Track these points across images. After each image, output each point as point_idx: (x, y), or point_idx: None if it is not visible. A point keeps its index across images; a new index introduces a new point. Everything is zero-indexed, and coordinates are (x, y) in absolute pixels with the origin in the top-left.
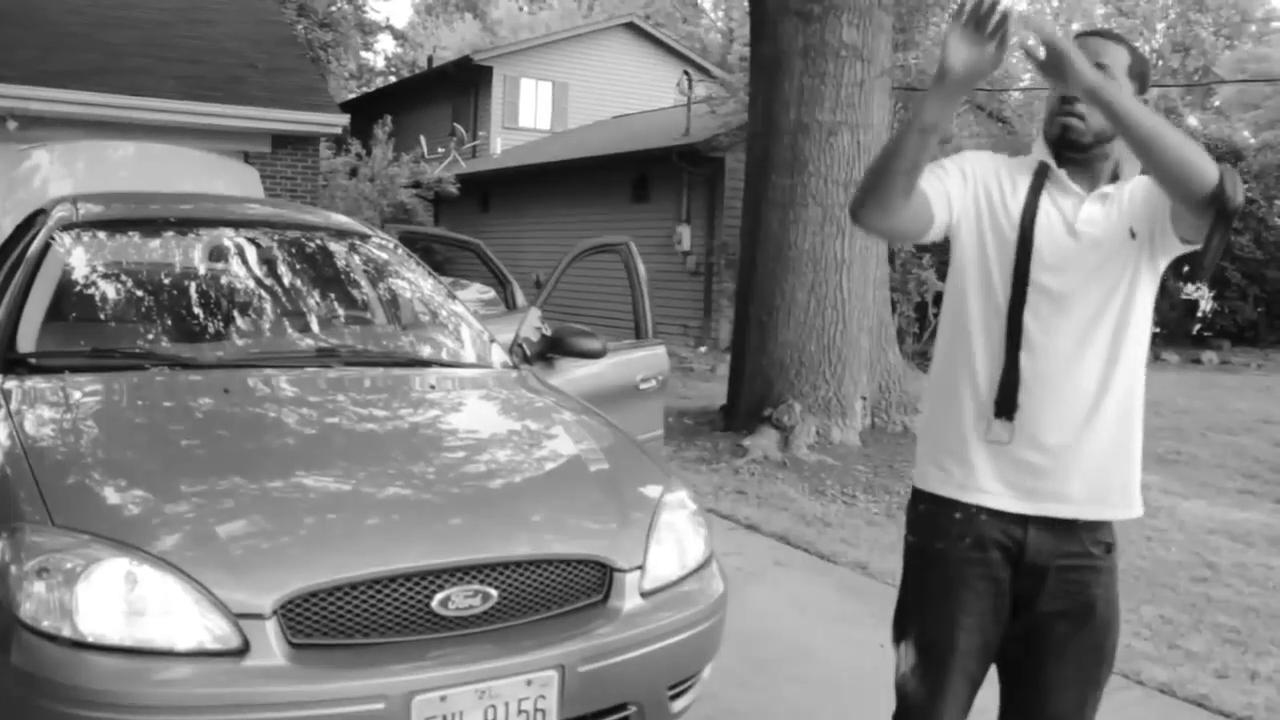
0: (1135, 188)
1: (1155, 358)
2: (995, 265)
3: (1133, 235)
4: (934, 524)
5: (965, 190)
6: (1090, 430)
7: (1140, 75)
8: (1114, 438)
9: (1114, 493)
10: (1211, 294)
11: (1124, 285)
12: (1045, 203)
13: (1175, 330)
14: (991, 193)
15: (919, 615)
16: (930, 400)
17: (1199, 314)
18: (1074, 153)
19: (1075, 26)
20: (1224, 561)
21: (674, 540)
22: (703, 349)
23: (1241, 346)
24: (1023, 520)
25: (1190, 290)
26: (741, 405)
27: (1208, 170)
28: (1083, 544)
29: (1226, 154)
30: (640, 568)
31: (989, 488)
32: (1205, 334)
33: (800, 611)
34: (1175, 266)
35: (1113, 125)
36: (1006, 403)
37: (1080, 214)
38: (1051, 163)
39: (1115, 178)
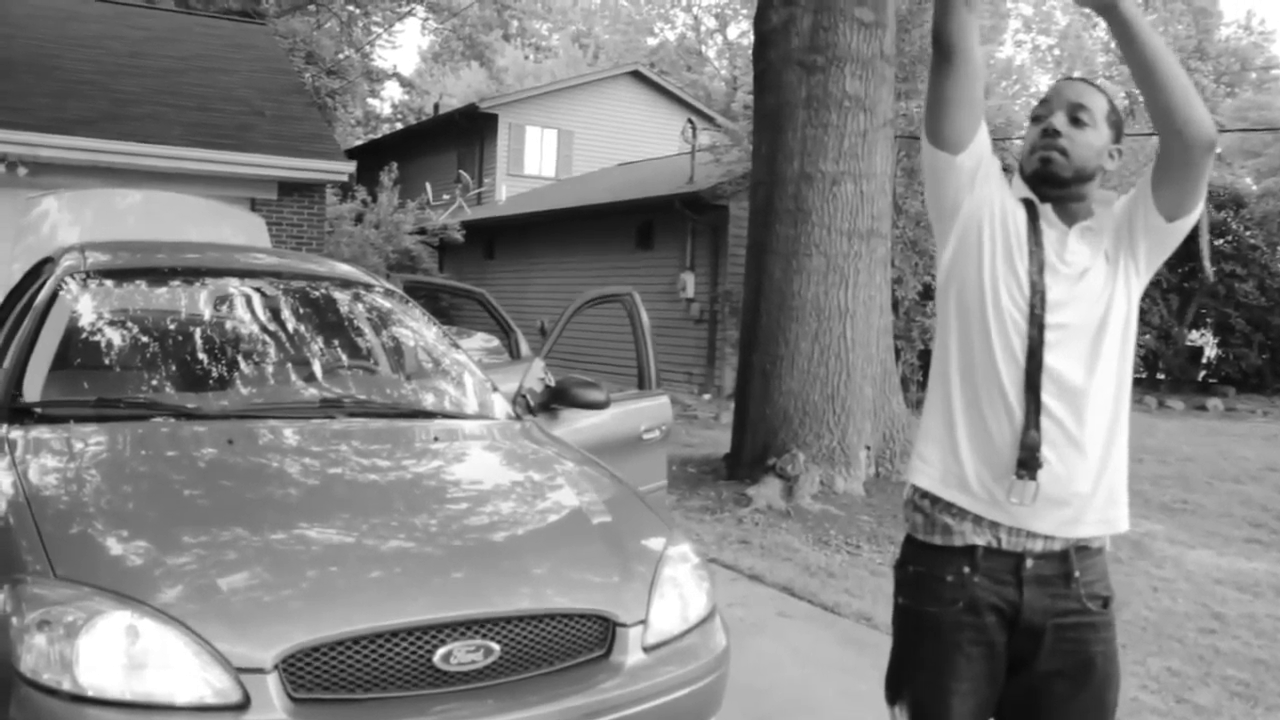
0: (1110, 214)
1: (1160, 404)
2: (1007, 302)
3: (1106, 258)
4: (925, 587)
5: (991, 176)
6: (1104, 470)
7: (1116, 124)
8: (1117, 470)
9: (1116, 512)
10: (1216, 340)
11: (1113, 311)
12: (1045, 241)
13: (1180, 377)
14: (1008, 224)
15: (912, 680)
16: (929, 444)
17: (1203, 360)
18: (1052, 188)
19: (1076, 73)
20: (1231, 613)
21: (677, 594)
22: (707, 396)
23: (1246, 393)
24: (1018, 580)
25: (1195, 337)
26: (745, 454)
27: (1207, 115)
28: (1080, 600)
29: (1229, 200)
30: (643, 622)
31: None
32: (1210, 381)
33: (803, 664)
34: (1180, 312)
35: (1125, 46)
36: (1030, 460)
37: (1067, 248)
38: (1035, 199)
39: (1090, 209)
